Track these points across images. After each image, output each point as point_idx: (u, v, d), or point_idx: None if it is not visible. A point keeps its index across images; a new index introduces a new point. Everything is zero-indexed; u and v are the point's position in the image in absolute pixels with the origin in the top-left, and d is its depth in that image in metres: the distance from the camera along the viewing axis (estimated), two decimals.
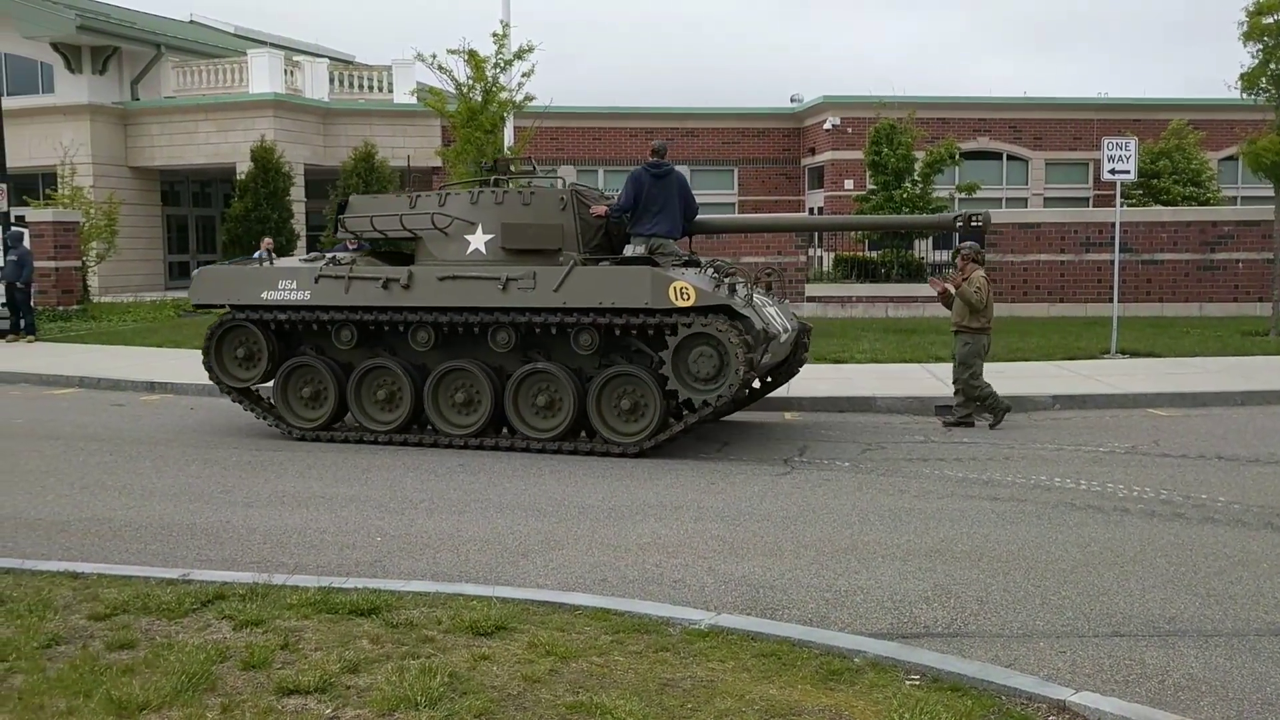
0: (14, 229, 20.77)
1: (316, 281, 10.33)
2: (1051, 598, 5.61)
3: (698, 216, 10.78)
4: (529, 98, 18.19)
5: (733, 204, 33.24)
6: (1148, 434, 10.59)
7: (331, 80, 30.35)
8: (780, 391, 12.60)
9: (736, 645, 4.77)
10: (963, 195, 25.35)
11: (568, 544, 6.74)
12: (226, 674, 4.31)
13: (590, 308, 9.47)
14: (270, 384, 10.88)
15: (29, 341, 19.04)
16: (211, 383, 11.18)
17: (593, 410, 9.72)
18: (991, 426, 10.96)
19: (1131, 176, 16.12)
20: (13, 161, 25.97)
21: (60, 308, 22.78)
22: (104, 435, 10.82)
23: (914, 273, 23.60)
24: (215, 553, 6.56)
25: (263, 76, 28.40)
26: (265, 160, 25.37)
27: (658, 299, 9.25)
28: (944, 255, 25.94)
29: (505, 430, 10.20)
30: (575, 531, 7.03)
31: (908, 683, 4.38)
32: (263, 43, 32.64)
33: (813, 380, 13.39)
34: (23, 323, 19.35)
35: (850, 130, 30.79)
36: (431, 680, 4.18)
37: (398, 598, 5.33)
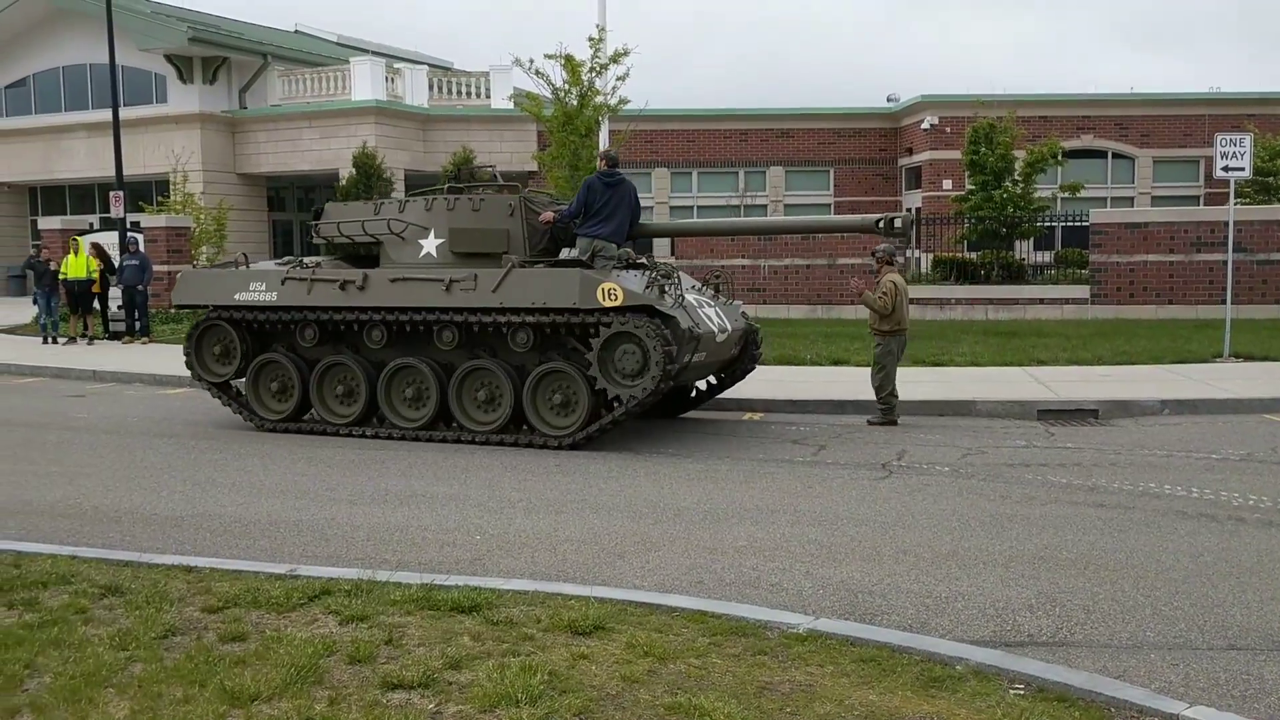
0: (131, 234, 21.57)
1: (283, 283, 10.97)
2: (1163, 608, 5.44)
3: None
4: (624, 101, 18.29)
5: (829, 205, 32.93)
6: (1264, 440, 10.20)
7: (431, 87, 30.88)
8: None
9: (835, 650, 4.73)
10: (1065, 195, 24.74)
11: (663, 546, 6.75)
12: (333, 667, 4.42)
13: (524, 307, 9.98)
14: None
15: (144, 343, 19.76)
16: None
17: (528, 404, 10.22)
18: (869, 422, 11.31)
19: (1246, 173, 15.56)
20: (129, 170, 26.96)
21: (172, 310, 23.57)
22: (215, 434, 11.17)
23: (1015, 274, 23.11)
24: (321, 549, 6.72)
25: (364, 84, 29.03)
26: (366, 166, 25.93)
27: (586, 299, 9.71)
28: (1045, 256, 25.39)
29: (451, 424, 10.67)
30: (671, 533, 7.04)
31: (1011, 692, 4.29)
32: (364, 51, 33.36)
33: (911, 383, 13.21)
34: (138, 325, 20.09)
35: (949, 130, 30.27)
36: (531, 678, 4.23)
37: (498, 595, 5.40)
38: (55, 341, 19.80)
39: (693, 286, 11.07)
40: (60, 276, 19.98)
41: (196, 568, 5.94)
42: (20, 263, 25.30)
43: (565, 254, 10.90)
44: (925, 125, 30.68)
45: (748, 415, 12.00)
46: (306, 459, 9.77)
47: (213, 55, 29.75)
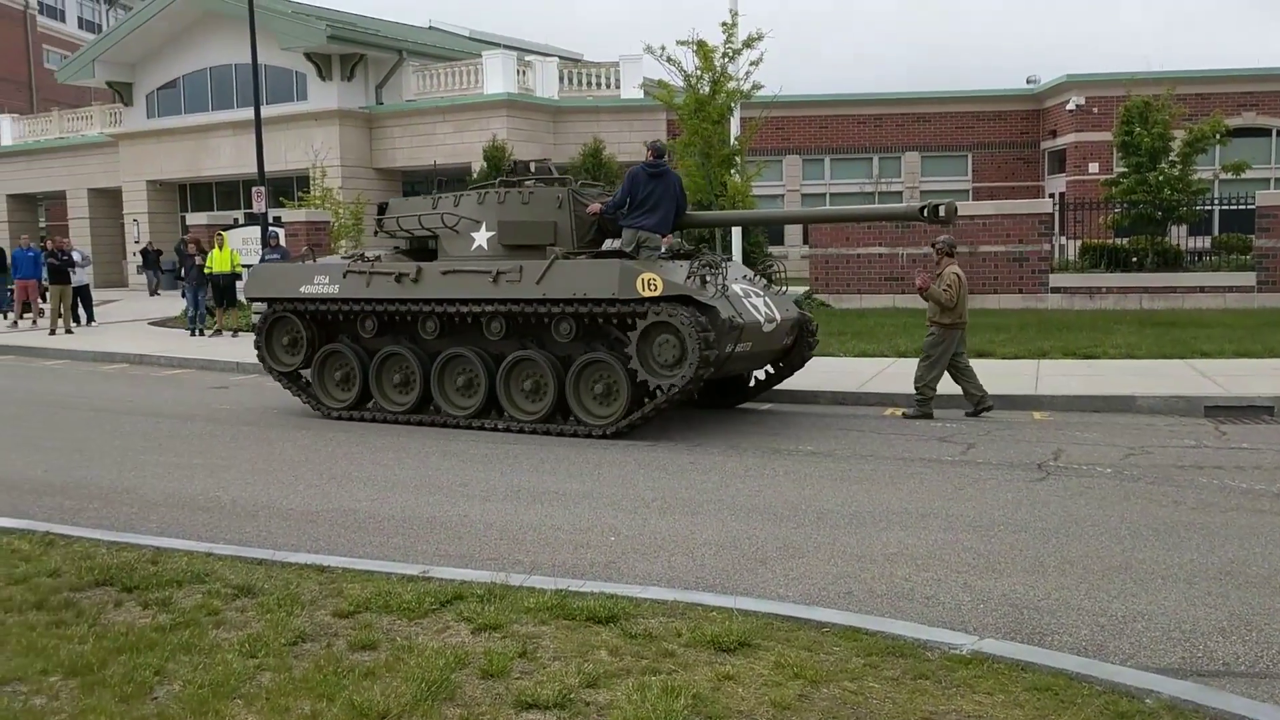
0: (272, 229, 22.11)
1: (344, 277, 11.33)
2: None
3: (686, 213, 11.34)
4: (757, 86, 17.85)
5: (967, 190, 31.82)
6: None
7: (561, 79, 30.90)
8: (1026, 388, 11.82)
9: (1004, 676, 4.30)
10: (1229, 176, 23.26)
11: (808, 552, 6.38)
12: (465, 682, 4.20)
13: (566, 298, 10.07)
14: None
15: None
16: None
17: (571, 394, 10.35)
18: (905, 415, 11.05)
19: None
20: (271, 166, 27.70)
21: None
22: (349, 427, 11.22)
23: (1170, 260, 21.83)
24: (453, 548, 6.57)
25: (496, 77, 29.20)
26: (498, 159, 26.03)
27: (625, 290, 9.77)
28: (1203, 242, 23.96)
29: (502, 413, 10.81)
30: (815, 538, 6.67)
31: None
32: (496, 45, 33.61)
33: (1061, 377, 12.51)
34: None
35: (1095, 110, 28.88)
36: (674, 701, 3.94)
37: (635, 605, 5.13)
38: (202, 334, 20.40)
39: (744, 276, 11.05)
40: (206, 271, 20.57)
41: (329, 568, 5.83)
42: (175, 259, 26.21)
43: (609, 245, 10.94)
44: (1070, 106, 29.34)
45: (889, 411, 11.49)
46: (440, 453, 9.69)
47: (350, 53, 30.32)
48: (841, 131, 32.20)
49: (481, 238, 10.99)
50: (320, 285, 11.48)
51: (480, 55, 30.43)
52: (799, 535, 6.75)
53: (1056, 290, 20.93)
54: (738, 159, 17.82)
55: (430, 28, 39.44)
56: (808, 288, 19.98)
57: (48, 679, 4.14)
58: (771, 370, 11.84)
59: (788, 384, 12.40)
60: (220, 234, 21.63)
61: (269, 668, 4.30)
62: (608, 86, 30.57)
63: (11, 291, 23.17)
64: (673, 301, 9.74)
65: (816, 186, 32.49)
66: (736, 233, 22.10)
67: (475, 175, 26.50)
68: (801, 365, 11.76)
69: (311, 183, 27.28)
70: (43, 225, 40.41)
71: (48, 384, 14.88)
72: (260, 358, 12.27)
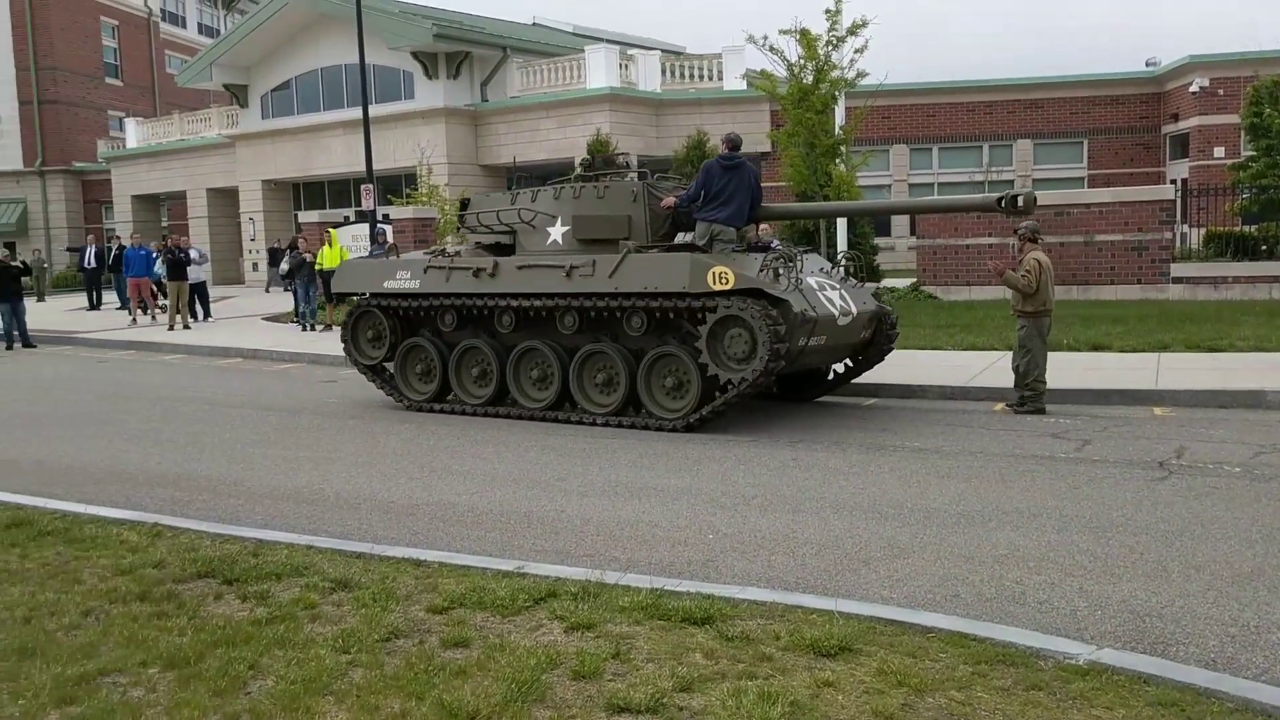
0: (381, 226, 22.48)
1: (425, 272, 11.53)
2: None
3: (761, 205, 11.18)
4: (862, 74, 17.46)
5: (1082, 178, 30.77)
6: None
7: (663, 72, 30.77)
8: (1145, 383, 11.31)
9: (1125, 689, 4.05)
10: None
11: (913, 552, 6.16)
12: (556, 683, 4.12)
13: (637, 292, 10.09)
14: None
15: None
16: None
17: (642, 387, 10.39)
18: (1013, 410, 10.68)
19: None
20: (380, 164, 28.22)
21: None
22: (451, 420, 11.29)
23: None
24: (550, 543, 6.51)
25: (599, 72, 29.22)
26: (601, 153, 26.07)
27: (696, 283, 9.74)
28: None
29: (575, 406, 10.89)
30: (921, 538, 6.43)
31: None
32: (599, 40, 33.65)
33: (1183, 371, 11.95)
34: None
35: (1221, 92, 27.63)
36: (771, 708, 3.79)
37: (732, 606, 4.99)
38: (312, 329, 20.84)
39: (820, 269, 10.93)
40: (316, 267, 21.00)
41: (426, 562, 5.82)
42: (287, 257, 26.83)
43: (680, 238, 10.93)
44: (1194, 88, 28.13)
45: (999, 406, 11.11)
46: (539, 447, 9.67)
47: (456, 50, 30.66)
48: (950, 120, 31.43)
49: (557, 232, 11.09)
50: (402, 280, 11.73)
51: (583, 51, 30.49)
52: (904, 535, 6.52)
53: (1179, 280, 20.05)
54: (842, 149, 17.46)
55: (534, 24, 39.71)
56: (914, 279, 19.51)
57: (146, 671, 4.19)
58: (850, 364, 11.71)
59: (893, 378, 12.10)
60: (330, 231, 22.07)
61: (361, 664, 4.28)
62: (710, 79, 30.35)
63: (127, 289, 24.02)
64: (744, 295, 9.68)
65: (924, 176, 31.79)
66: (841, 225, 21.74)
67: (578, 171, 26.56)
68: (880, 359, 11.60)
69: (419, 180, 27.67)
70: (165, 225, 41.85)
71: (165, 378, 15.34)
72: (346, 351, 12.61)
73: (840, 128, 17.69)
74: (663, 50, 34.01)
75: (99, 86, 46.21)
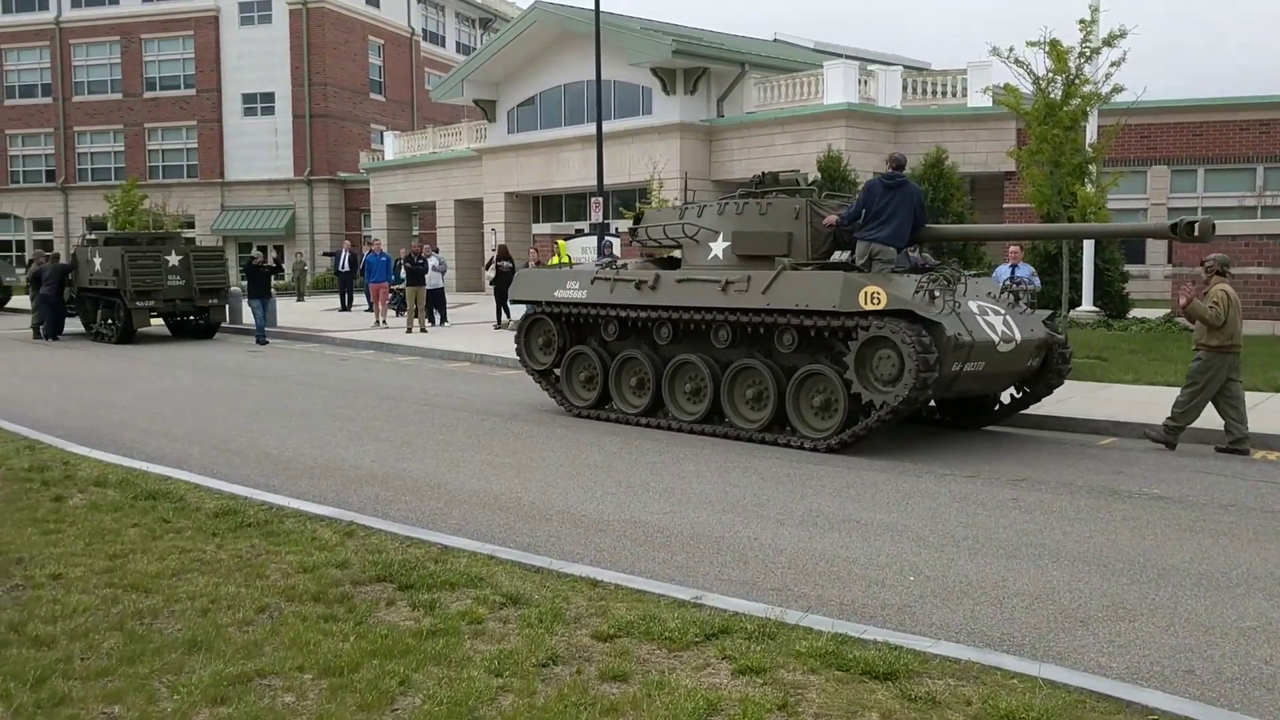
0: (607, 238, 22.76)
1: (592, 283, 11.85)
2: None
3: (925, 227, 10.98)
4: (1117, 89, 16.24)
5: None
6: None
7: (905, 88, 29.87)
8: None
9: None
10: None
11: (1141, 615, 5.48)
12: None
13: (789, 309, 10.06)
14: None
15: None
16: None
17: (790, 405, 10.31)
18: (1149, 435, 10.34)
19: None
20: (614, 178, 28.66)
21: None
22: (656, 435, 11.11)
23: None
24: (736, 573, 6.20)
25: (837, 87, 28.65)
26: (831, 170, 25.50)
27: (847, 302, 9.64)
28: None
29: (721, 419, 10.94)
30: (1152, 599, 5.73)
31: None
32: (839, 55, 33.07)
33: None
34: None
35: None
36: None
37: (921, 661, 4.53)
38: None
39: (988, 294, 10.64)
40: None
41: (602, 582, 5.62)
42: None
43: (836, 257, 10.88)
44: None
45: (1260, 454, 9.96)
46: (741, 468, 9.36)
47: (694, 66, 30.80)
48: (1218, 139, 28.97)
49: (718, 248, 11.22)
50: (571, 290, 12.13)
51: (821, 66, 29.99)
52: (1132, 594, 5.83)
53: None
54: (1091, 168, 16.28)
55: (775, 40, 39.48)
56: (1168, 310, 17.96)
57: (301, 676, 4.16)
58: (1016, 394, 11.35)
59: (1135, 415, 11.10)
60: (559, 242, 22.51)
61: (512, 689, 4.10)
62: (953, 95, 29.22)
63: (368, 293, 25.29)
64: (895, 316, 9.48)
65: (1186, 200, 29.43)
66: (1088, 250, 20.35)
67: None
68: (1049, 391, 11.17)
69: (650, 194, 27.91)
70: (415, 233, 44.09)
71: (396, 378, 15.95)
72: (519, 355, 13.08)
73: (1090, 145, 16.52)
74: (905, 66, 33.04)
75: (364, 102, 49.28)
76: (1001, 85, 17.06)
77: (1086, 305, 21.01)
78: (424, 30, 54.29)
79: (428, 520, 7.35)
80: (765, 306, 10.23)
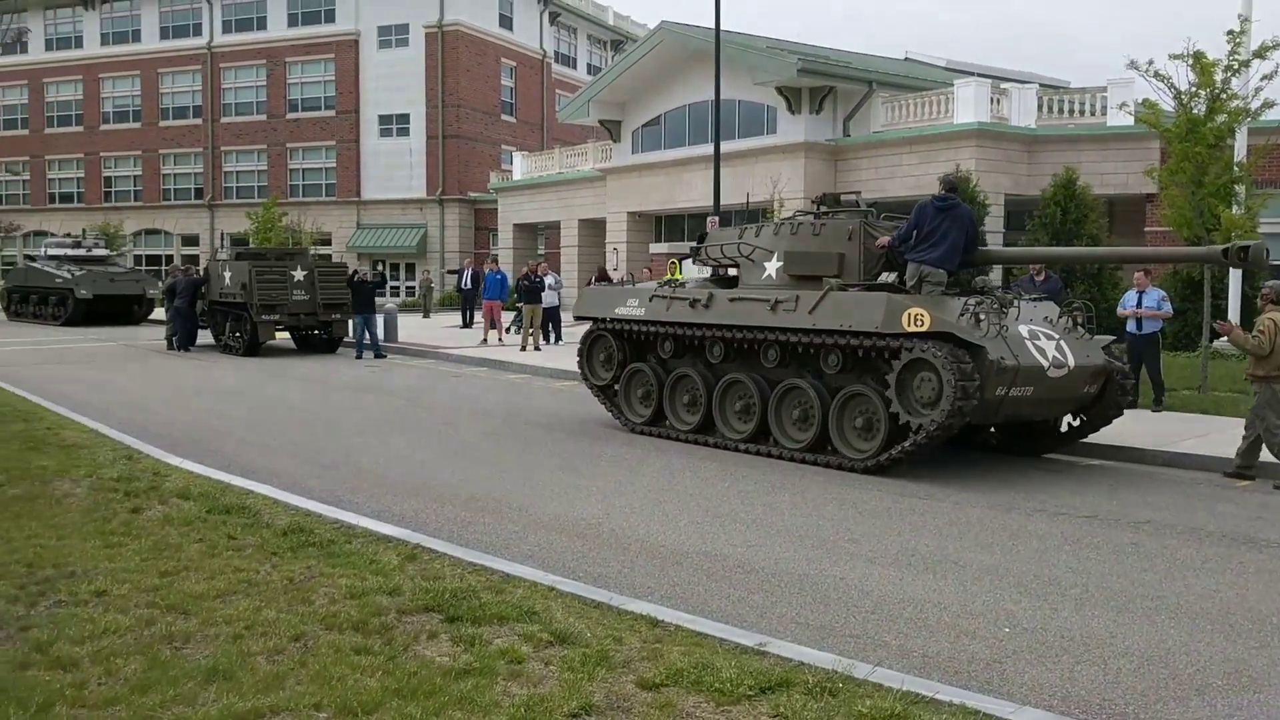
0: None
1: (650, 300, 12.02)
2: None
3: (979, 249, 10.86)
4: (1267, 104, 15.14)
5: None
6: None
7: (1040, 106, 28.73)
8: None
9: None
10: None
11: (1269, 684, 4.86)
12: None
13: (834, 329, 10.07)
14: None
15: None
16: None
17: (834, 425, 10.29)
18: (1225, 474, 10.05)
19: None
20: (733, 197, 28.26)
21: None
22: (754, 462, 10.67)
23: None
24: (815, 616, 5.76)
25: (967, 106, 27.72)
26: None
27: (890, 324, 9.58)
28: None
29: (768, 438, 10.93)
30: None
31: None
32: (971, 74, 32.07)
33: None
34: None
35: None
36: None
37: None
38: None
39: (1045, 318, 10.41)
40: None
41: (662, 622, 5.26)
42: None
43: (884, 278, 10.82)
44: None
45: None
46: (837, 500, 8.88)
47: (820, 85, 30.26)
48: None
49: (772, 267, 11.31)
50: (631, 308, 12.32)
51: (952, 85, 29.11)
52: (1259, 660, 5.19)
53: None
54: (1238, 189, 15.19)
55: (906, 59, 38.61)
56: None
57: (316, 715, 3.91)
58: (1074, 421, 11.12)
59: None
60: (674, 262, 22.23)
61: None
62: (1092, 113, 27.96)
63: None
64: (938, 339, 9.40)
65: None
66: (1235, 276, 19.11)
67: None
68: (1106, 420, 10.87)
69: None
70: (540, 252, 44.50)
71: (503, 396, 15.88)
72: (581, 371, 13.28)
73: (1237, 165, 15.44)
74: (1041, 84, 31.84)
75: (495, 123, 50.07)
76: (1141, 100, 16.09)
77: None
78: (555, 52, 54.94)
79: (502, 544, 7.12)
80: (811, 326, 10.25)
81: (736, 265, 11.90)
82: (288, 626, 4.79)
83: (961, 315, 9.56)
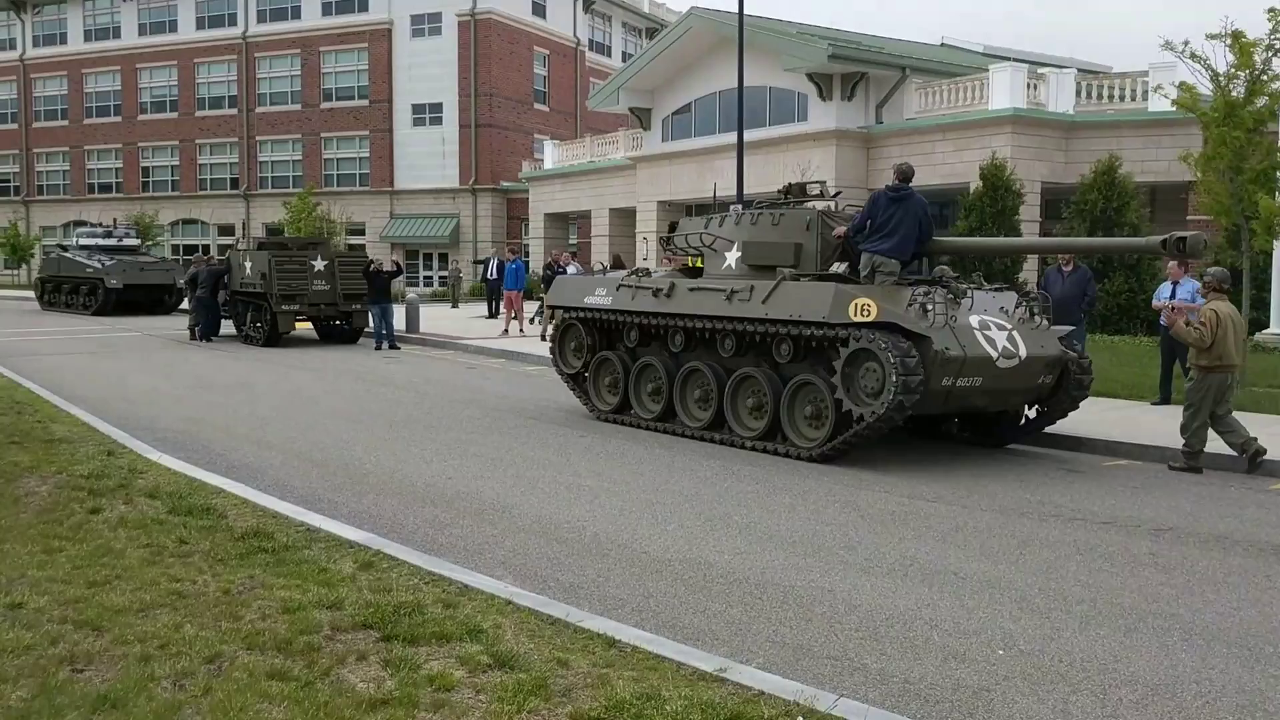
0: None
1: (617, 290, 12.15)
2: None
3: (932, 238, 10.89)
4: None
5: None
6: None
7: (1079, 92, 27.92)
8: None
9: None
10: None
11: None
12: None
13: (783, 319, 10.12)
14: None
15: None
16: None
17: (785, 414, 10.37)
18: (1170, 467, 10.11)
19: None
20: (768, 186, 27.70)
21: None
22: (762, 461, 10.23)
23: None
24: (793, 634, 5.35)
25: (1003, 92, 26.98)
26: (994, 178, 23.96)
27: (836, 313, 9.62)
28: None
29: (724, 427, 11.01)
30: None
31: None
32: (1007, 59, 31.27)
33: None
34: None
35: None
36: None
37: None
38: None
39: (1001, 309, 10.31)
40: None
41: (619, 642, 4.86)
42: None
43: (835, 268, 10.80)
44: None
45: None
46: (841, 503, 8.42)
47: (851, 71, 29.62)
48: None
49: (731, 257, 11.40)
50: (598, 297, 12.43)
51: (987, 70, 28.36)
52: (1279, 691, 4.70)
53: None
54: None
55: (942, 45, 37.80)
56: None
57: None
58: (1031, 413, 11.11)
59: None
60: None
61: None
62: (1133, 99, 27.11)
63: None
64: (882, 329, 9.42)
65: None
66: (1279, 266, 18.37)
67: (970, 196, 24.63)
68: (1066, 410, 10.80)
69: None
70: (572, 242, 44.15)
71: (513, 388, 15.53)
72: (553, 359, 13.50)
73: (1279, 150, 14.73)
74: (1081, 69, 30.98)
75: (527, 111, 49.73)
76: (1178, 83, 15.42)
77: (1275, 327, 18.95)
78: (590, 40, 54.50)
79: (475, 550, 6.76)
80: (764, 316, 10.28)
81: (701, 255, 11.96)
82: (205, 646, 4.43)
83: (909, 306, 9.57)
